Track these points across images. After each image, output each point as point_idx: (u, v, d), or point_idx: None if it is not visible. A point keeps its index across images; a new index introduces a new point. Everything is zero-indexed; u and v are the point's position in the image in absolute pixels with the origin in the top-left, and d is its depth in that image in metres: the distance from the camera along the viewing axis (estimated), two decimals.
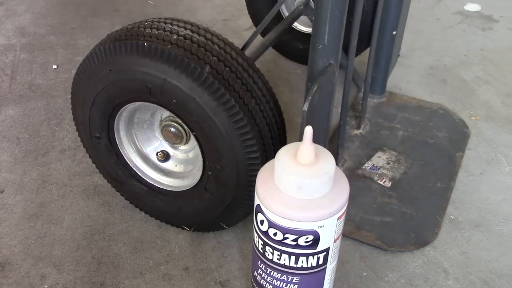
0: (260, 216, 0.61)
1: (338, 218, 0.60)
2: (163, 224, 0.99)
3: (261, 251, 0.64)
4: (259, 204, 0.60)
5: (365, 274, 0.90)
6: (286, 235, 0.59)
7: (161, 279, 0.89)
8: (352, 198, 1.02)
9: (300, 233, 0.58)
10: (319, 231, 0.58)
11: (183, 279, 0.89)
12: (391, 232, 0.96)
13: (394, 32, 1.18)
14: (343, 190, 0.61)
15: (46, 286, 0.89)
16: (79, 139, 0.97)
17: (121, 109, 0.87)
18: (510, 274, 0.90)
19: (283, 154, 0.59)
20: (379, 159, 1.11)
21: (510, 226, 0.99)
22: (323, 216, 0.58)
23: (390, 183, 1.06)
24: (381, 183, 1.06)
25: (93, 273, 0.91)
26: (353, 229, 0.96)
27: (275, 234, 0.59)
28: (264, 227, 0.60)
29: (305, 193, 0.57)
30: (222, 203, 0.86)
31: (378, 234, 0.96)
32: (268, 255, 0.63)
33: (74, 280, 0.89)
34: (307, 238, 0.59)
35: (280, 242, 0.60)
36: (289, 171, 0.57)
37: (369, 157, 1.12)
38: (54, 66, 1.45)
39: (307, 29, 1.35)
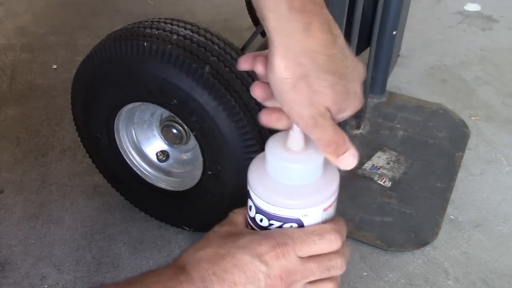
0: (249, 202, 0.62)
1: (324, 210, 0.60)
2: (163, 224, 0.99)
3: None
4: (248, 190, 0.61)
5: (365, 274, 0.90)
6: (271, 222, 0.59)
7: None
8: (352, 198, 1.02)
9: (284, 220, 0.58)
10: (303, 219, 0.58)
11: None
12: (391, 232, 0.96)
13: (394, 32, 1.18)
14: (331, 181, 0.60)
15: (46, 286, 0.89)
16: (79, 139, 0.97)
17: (121, 109, 0.87)
18: (510, 274, 0.90)
19: (274, 139, 0.60)
20: (379, 159, 1.11)
21: (510, 226, 0.99)
22: (306, 205, 0.58)
23: (390, 183, 1.06)
24: (381, 183, 1.06)
25: (93, 273, 0.91)
26: (353, 229, 0.96)
27: (261, 220, 0.60)
28: (252, 213, 0.61)
29: (290, 178, 0.57)
30: (222, 203, 0.86)
31: (378, 234, 0.96)
32: None
33: (74, 280, 0.89)
34: (291, 226, 0.59)
35: (266, 229, 0.61)
36: (276, 155, 0.58)
37: (369, 157, 1.12)
38: (54, 66, 1.45)
39: None
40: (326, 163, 0.60)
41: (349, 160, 0.53)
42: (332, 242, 0.53)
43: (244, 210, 0.60)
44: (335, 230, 0.54)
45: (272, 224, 0.59)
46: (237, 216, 0.60)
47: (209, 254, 0.52)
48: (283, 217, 0.58)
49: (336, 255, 0.54)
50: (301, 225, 0.59)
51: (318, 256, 0.53)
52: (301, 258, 0.52)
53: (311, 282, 0.53)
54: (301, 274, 0.52)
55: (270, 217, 0.59)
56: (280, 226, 0.59)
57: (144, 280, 0.50)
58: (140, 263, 0.92)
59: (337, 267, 0.53)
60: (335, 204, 0.62)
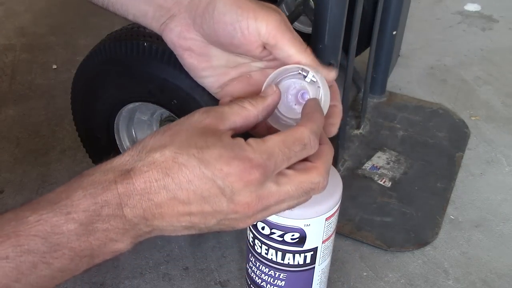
0: None
1: (327, 219, 0.59)
2: None
3: (252, 244, 0.65)
4: None
5: (365, 274, 0.90)
6: (273, 230, 0.59)
7: (161, 279, 0.89)
8: (352, 198, 1.02)
9: (286, 229, 0.58)
10: (306, 229, 0.58)
11: (183, 279, 0.89)
12: (391, 232, 0.96)
13: (394, 32, 1.18)
14: (334, 191, 0.60)
15: None
16: (79, 139, 0.97)
17: (121, 109, 0.87)
18: (510, 274, 0.90)
19: None
20: (379, 159, 1.11)
21: (510, 226, 0.99)
22: (309, 215, 0.58)
23: (390, 183, 1.06)
24: (381, 183, 1.06)
25: (93, 273, 0.90)
26: (353, 229, 0.96)
27: (263, 228, 0.60)
28: None
29: None
30: None
31: (378, 234, 0.96)
32: (257, 248, 0.64)
33: (74, 280, 0.89)
34: (293, 235, 0.59)
35: (267, 237, 0.61)
36: None
37: (369, 157, 1.12)
38: (54, 66, 1.45)
39: (307, 29, 1.35)
40: (330, 174, 0.60)
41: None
42: (311, 148, 0.45)
43: (250, 112, 0.47)
44: (313, 133, 0.45)
45: (274, 233, 0.59)
46: (236, 112, 0.47)
47: (166, 159, 0.42)
48: (285, 227, 0.58)
49: (318, 174, 0.45)
50: (303, 234, 0.59)
51: (296, 176, 0.45)
52: (276, 177, 0.44)
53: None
54: (275, 198, 0.44)
55: (272, 226, 0.59)
56: (282, 235, 0.59)
57: (75, 188, 0.42)
58: (140, 263, 0.92)
59: (318, 188, 0.46)
60: (337, 213, 0.62)
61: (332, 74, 0.51)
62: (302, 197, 0.46)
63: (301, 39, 0.49)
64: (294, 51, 0.48)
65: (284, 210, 0.47)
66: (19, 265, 0.39)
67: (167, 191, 0.41)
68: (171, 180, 0.41)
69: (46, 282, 0.41)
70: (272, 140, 0.43)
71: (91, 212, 0.40)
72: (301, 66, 0.49)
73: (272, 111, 0.49)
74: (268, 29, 0.47)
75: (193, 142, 0.42)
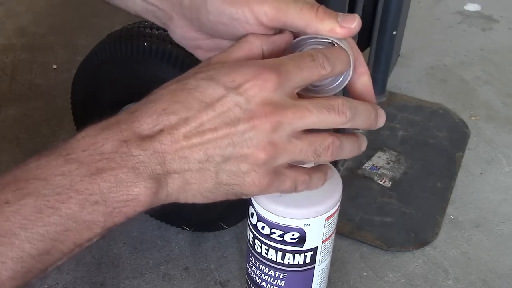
0: (251, 209, 0.62)
1: (327, 219, 0.60)
2: (163, 224, 0.99)
3: (252, 243, 0.65)
4: (250, 197, 0.61)
5: (365, 274, 0.90)
6: (273, 230, 0.59)
7: (161, 279, 0.89)
8: (352, 198, 1.02)
9: (286, 229, 0.59)
10: (305, 229, 0.58)
11: (183, 279, 0.89)
12: (391, 232, 0.96)
13: (394, 32, 1.18)
14: (334, 191, 0.60)
15: (46, 286, 0.89)
16: None
17: (121, 109, 0.87)
18: (510, 274, 0.90)
19: None
20: (379, 159, 1.11)
21: (510, 226, 0.99)
22: (309, 215, 0.58)
23: (390, 183, 1.06)
24: (381, 183, 1.06)
25: (93, 273, 0.91)
26: (353, 229, 0.96)
27: (263, 228, 0.60)
28: (254, 220, 0.61)
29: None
30: (222, 203, 0.86)
31: (378, 234, 0.96)
32: (257, 248, 0.64)
33: (74, 280, 0.89)
34: (293, 235, 0.59)
35: (267, 237, 0.61)
36: None
37: (369, 157, 1.12)
38: (54, 66, 1.45)
39: None
40: (330, 173, 0.60)
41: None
42: (322, 65, 0.42)
43: (253, 44, 0.45)
44: (322, 53, 0.43)
45: (274, 233, 0.59)
46: (239, 47, 0.44)
47: (172, 90, 0.41)
48: (285, 226, 0.58)
49: (336, 97, 0.43)
50: (303, 234, 0.59)
51: (311, 96, 0.43)
52: (292, 95, 0.41)
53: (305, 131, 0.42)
54: (292, 112, 0.40)
55: (272, 225, 0.59)
56: (282, 235, 0.59)
57: (76, 135, 0.42)
58: (140, 263, 0.92)
59: (337, 108, 0.42)
60: (337, 213, 0.62)
61: (356, 26, 0.45)
62: (322, 114, 0.41)
63: (309, 5, 0.44)
64: (304, 24, 0.44)
65: (306, 136, 0.42)
66: (20, 209, 0.36)
67: (176, 115, 0.39)
68: (180, 105, 0.39)
69: (58, 233, 0.38)
70: (282, 56, 0.42)
71: (91, 151, 0.39)
72: (334, 40, 0.45)
73: (277, 47, 0.46)
74: (268, 15, 0.44)
75: (199, 69, 0.42)
